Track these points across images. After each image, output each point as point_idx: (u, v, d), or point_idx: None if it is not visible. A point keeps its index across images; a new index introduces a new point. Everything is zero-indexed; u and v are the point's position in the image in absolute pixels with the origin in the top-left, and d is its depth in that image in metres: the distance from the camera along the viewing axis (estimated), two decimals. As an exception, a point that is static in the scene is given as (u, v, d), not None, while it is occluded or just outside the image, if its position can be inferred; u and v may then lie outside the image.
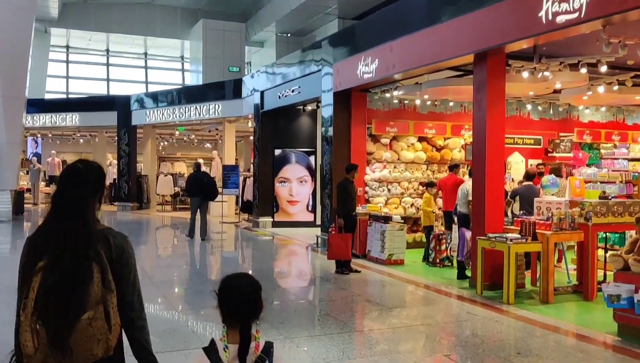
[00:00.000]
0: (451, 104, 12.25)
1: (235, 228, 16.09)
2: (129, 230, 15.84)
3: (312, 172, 15.47)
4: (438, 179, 11.49)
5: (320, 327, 5.88)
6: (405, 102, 11.98)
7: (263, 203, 15.41)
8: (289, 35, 24.06)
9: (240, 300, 2.17)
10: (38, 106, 22.67)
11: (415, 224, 11.70)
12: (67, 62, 37.18)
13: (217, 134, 23.78)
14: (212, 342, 2.18)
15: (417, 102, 11.93)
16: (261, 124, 15.66)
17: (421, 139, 12.37)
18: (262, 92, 15.55)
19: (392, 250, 9.76)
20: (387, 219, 10.02)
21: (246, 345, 2.13)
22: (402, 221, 10.32)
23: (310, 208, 15.38)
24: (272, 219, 15.36)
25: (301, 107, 14.82)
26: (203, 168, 15.59)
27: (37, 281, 2.06)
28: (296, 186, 15.36)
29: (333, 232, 10.36)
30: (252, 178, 16.66)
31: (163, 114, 19.84)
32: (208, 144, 28.41)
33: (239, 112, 17.36)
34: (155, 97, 20.92)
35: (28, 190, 23.63)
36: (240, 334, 2.14)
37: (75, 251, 2.11)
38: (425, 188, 10.91)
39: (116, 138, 22.03)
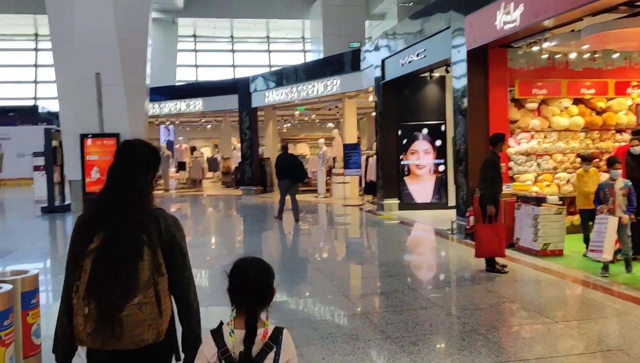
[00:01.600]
0: (614, 56, 9.95)
1: (359, 211, 14.87)
2: (253, 214, 15.25)
3: (440, 148, 13.80)
4: (600, 150, 9.38)
5: (468, 351, 4.41)
6: (556, 57, 9.89)
7: (387, 183, 13.99)
8: (411, 4, 22.26)
9: (247, 286, 2.06)
10: (163, 93, 23.00)
11: (572, 204, 9.66)
12: (195, 51, 38.21)
13: (337, 113, 22.71)
14: (220, 325, 2.09)
15: (572, 56, 9.80)
16: (383, 97, 14.19)
17: (577, 102, 10.22)
18: (382, 61, 14.05)
19: (548, 239, 7.93)
20: (539, 200, 8.18)
21: (252, 332, 2.02)
22: (561, 202, 8.40)
23: (436, 189, 13.76)
24: (398, 201, 13.91)
25: (427, 74, 13.12)
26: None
27: (88, 263, 2.03)
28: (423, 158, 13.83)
29: (471, 216, 8.75)
30: (374, 157, 15.30)
31: (281, 94, 19.06)
32: (330, 124, 27.51)
33: (358, 85, 16.01)
34: (273, 77, 20.22)
35: (160, 177, 24.25)
36: (246, 320, 2.04)
37: (126, 234, 2.06)
38: (580, 161, 8.74)
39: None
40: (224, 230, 13.43)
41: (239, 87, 21.07)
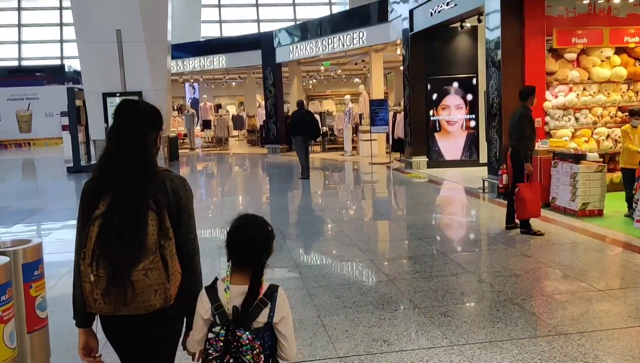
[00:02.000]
0: (664, 0, 9.21)
1: (387, 170, 14.49)
2: (278, 174, 15.00)
3: (471, 103, 13.23)
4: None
5: (503, 323, 4.09)
6: (598, 2, 9.19)
7: (416, 140, 13.53)
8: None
9: (244, 244, 2.03)
10: (185, 50, 22.61)
11: (612, 161, 9.12)
12: (219, 6, 37.48)
13: (364, 67, 22.06)
14: (215, 281, 2.08)
15: (615, 1, 9.09)
16: (411, 49, 13.57)
17: (619, 51, 9.54)
18: (411, 12, 13.37)
19: (587, 198, 7.47)
20: (578, 157, 7.67)
21: (256, 289, 2.00)
22: (601, 159, 7.88)
23: (466, 145, 13.27)
24: (426, 159, 13.47)
25: (458, 24, 12.44)
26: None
27: (94, 230, 1.99)
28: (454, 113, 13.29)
29: (503, 174, 8.31)
30: (402, 113, 14.79)
31: (306, 48, 18.49)
32: (356, 79, 26.87)
33: (385, 38, 15.37)
34: (297, 31, 19.61)
35: (185, 135, 24.12)
36: (252, 277, 2.02)
37: (131, 198, 2.01)
38: (629, 116, 8.12)
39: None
40: (246, 190, 13.22)
41: (263, 42, 20.55)
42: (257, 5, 37.53)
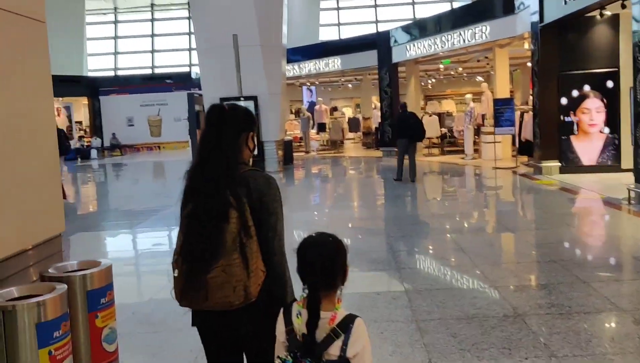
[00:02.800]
0: None
1: (512, 175, 13.24)
2: (390, 178, 14.29)
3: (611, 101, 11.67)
4: None
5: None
6: None
7: (546, 142, 12.19)
8: None
9: (309, 265, 1.89)
10: (301, 53, 22.57)
11: None
12: (338, 8, 37.48)
13: (487, 64, 20.66)
14: (293, 302, 1.99)
15: None
16: (541, 43, 12.25)
17: None
18: (540, 1, 12.07)
19: None
20: None
21: (314, 315, 1.84)
22: None
23: (605, 148, 11.71)
24: (558, 164, 12.08)
25: (597, 12, 11.00)
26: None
27: (182, 228, 2.13)
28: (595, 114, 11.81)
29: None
30: (530, 113, 13.46)
31: (424, 46, 17.58)
32: (479, 77, 25.37)
33: (511, 32, 14.08)
34: (414, 28, 18.75)
35: (301, 139, 24.12)
36: (308, 302, 1.87)
37: (212, 197, 2.08)
38: None
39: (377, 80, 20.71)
40: (355, 195, 12.65)
41: (379, 42, 19.91)
42: (375, 6, 37.02)
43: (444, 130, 19.30)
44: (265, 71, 15.64)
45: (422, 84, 25.25)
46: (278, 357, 1.88)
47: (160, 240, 8.64)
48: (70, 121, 31.65)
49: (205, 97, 16.14)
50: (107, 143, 30.24)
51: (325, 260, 1.88)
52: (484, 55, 18.44)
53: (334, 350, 1.82)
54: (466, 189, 12.63)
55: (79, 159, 26.48)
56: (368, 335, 1.88)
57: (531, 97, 13.16)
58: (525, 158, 14.43)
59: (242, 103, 15.39)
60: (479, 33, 15.12)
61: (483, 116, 16.78)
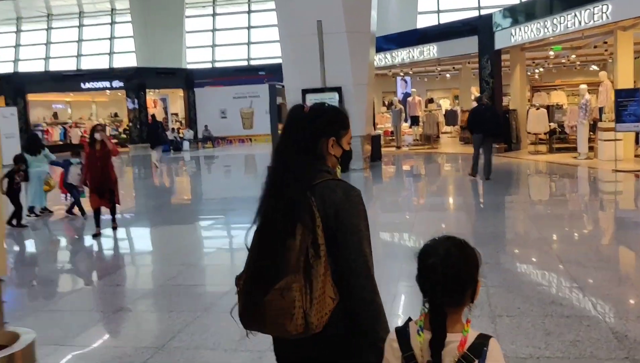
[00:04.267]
0: None
1: (636, 179, 11.19)
2: (493, 181, 12.65)
3: None
4: None
5: None
6: None
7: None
8: None
9: (432, 274, 1.56)
10: (394, 40, 21.15)
11: None
12: (433, -7, 35.44)
13: (605, 50, 18.20)
14: (408, 321, 1.68)
15: None
16: (680, 21, 10.13)
17: None
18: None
19: None
20: None
21: (440, 336, 1.55)
22: None
23: None
24: (700, 169, 9.95)
25: None
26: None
27: (251, 244, 1.95)
28: None
29: None
30: (663, 106, 11.30)
31: (531, 30, 15.62)
32: (593, 66, 22.68)
33: (637, 10, 11.92)
34: (521, 10, 16.77)
35: (392, 133, 22.74)
36: (431, 318, 1.58)
37: (278, 209, 1.87)
38: None
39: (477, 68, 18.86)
40: (444, 199, 11.18)
41: (480, 27, 18.09)
42: (475, -10, 34.60)
43: (554, 125, 17.13)
44: (351, 59, 14.47)
45: (528, 73, 22.96)
46: None
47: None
48: (166, 112, 32.30)
49: (287, 89, 15.25)
50: (200, 135, 30.46)
51: (449, 271, 1.57)
52: (602, 39, 16.14)
53: None
54: (580, 196, 10.78)
55: (172, 151, 26.73)
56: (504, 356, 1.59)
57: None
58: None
59: (325, 95, 14.38)
60: (598, 14, 13.02)
61: (601, 110, 14.50)
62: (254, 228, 1.96)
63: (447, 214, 9.53)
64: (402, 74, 25.76)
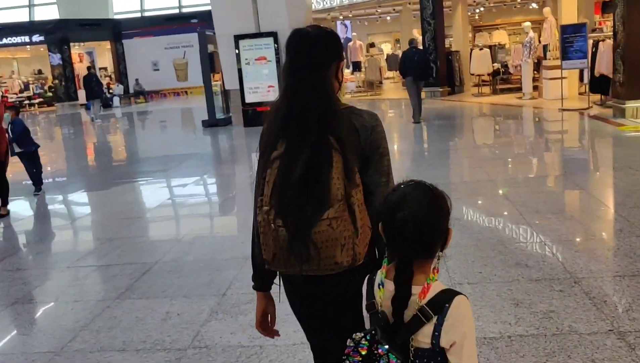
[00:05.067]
0: None
1: (580, 117, 10.93)
2: (438, 127, 12.15)
3: None
4: None
5: None
6: None
7: (632, 77, 9.74)
8: None
9: (402, 229, 1.42)
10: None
11: None
12: None
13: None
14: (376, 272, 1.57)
15: None
16: (628, -51, 9.62)
17: None
18: None
19: None
20: None
21: (402, 290, 1.43)
22: None
23: None
24: (648, 104, 9.69)
25: None
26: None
27: (272, 174, 1.72)
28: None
29: None
30: (607, 42, 10.94)
31: (473, -34, 14.90)
32: (534, 4, 22.33)
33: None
34: (462, -55, 16.00)
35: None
36: (396, 273, 1.45)
37: (311, 136, 1.69)
38: None
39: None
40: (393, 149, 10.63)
41: (419, -35, 17.25)
42: None
43: (497, 65, 16.74)
44: (286, 2, 13.42)
45: (469, 14, 22.41)
46: (352, 337, 1.44)
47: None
48: (93, 67, 30.21)
49: (218, 36, 14.10)
50: (131, 89, 28.72)
51: (421, 225, 1.42)
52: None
53: (423, 337, 1.41)
54: (529, 136, 10.42)
55: (101, 108, 25.04)
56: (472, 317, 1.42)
57: (616, 21, 10.41)
58: (597, 97, 12.03)
59: (260, 41, 13.38)
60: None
61: (545, 48, 14.14)
62: (263, 160, 1.76)
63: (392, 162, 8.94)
64: (341, 17, 24.74)
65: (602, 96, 11.77)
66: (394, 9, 23.83)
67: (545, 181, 6.87)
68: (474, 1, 21.83)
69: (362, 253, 1.67)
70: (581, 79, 13.68)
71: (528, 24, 14.96)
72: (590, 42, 11.71)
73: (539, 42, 15.04)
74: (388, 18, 26.32)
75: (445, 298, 1.41)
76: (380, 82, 21.54)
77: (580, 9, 18.66)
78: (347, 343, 1.45)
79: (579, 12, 18.53)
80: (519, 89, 15.07)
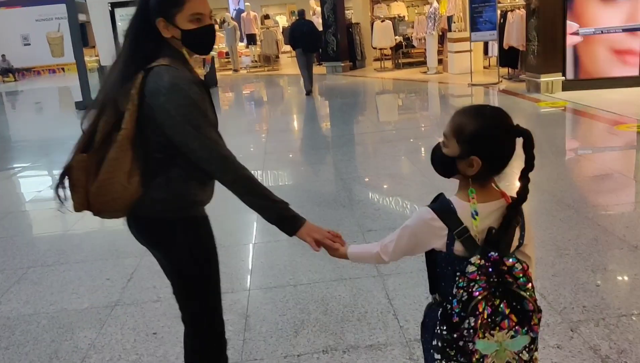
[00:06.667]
0: None
1: (490, 93, 10.40)
2: (342, 105, 11.16)
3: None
4: None
5: None
6: None
7: (546, 51, 9.24)
8: None
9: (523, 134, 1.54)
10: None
11: None
12: None
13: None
14: (444, 200, 1.52)
15: None
16: None
17: None
18: None
19: None
20: None
21: (509, 230, 1.46)
22: None
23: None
24: (562, 78, 9.25)
25: None
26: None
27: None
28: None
29: None
30: (518, 12, 10.43)
31: None
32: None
33: None
34: None
35: (227, 54, 20.37)
36: (521, 184, 1.46)
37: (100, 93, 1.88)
38: None
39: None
40: (294, 128, 9.54)
41: None
42: None
43: (399, 38, 16.04)
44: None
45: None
46: (470, 261, 1.40)
47: None
48: (-51, 43, 26.39)
49: (90, 4, 12.20)
50: (-4, 67, 25.43)
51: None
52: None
53: (515, 239, 1.48)
54: (438, 114, 9.71)
55: (-40, 89, 21.85)
56: None
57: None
58: (505, 70, 11.60)
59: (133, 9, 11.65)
60: None
61: (449, 19, 13.55)
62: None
63: (292, 139, 7.83)
64: (233, -13, 23.07)
65: (510, 70, 11.33)
66: (289, -21, 22.53)
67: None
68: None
69: (98, 207, 1.76)
70: (486, 52, 13.27)
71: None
72: (499, 12, 11.17)
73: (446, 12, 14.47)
74: (283, -12, 24.99)
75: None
76: (277, 57, 20.29)
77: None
78: (468, 270, 1.39)
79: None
80: (422, 63, 14.47)
